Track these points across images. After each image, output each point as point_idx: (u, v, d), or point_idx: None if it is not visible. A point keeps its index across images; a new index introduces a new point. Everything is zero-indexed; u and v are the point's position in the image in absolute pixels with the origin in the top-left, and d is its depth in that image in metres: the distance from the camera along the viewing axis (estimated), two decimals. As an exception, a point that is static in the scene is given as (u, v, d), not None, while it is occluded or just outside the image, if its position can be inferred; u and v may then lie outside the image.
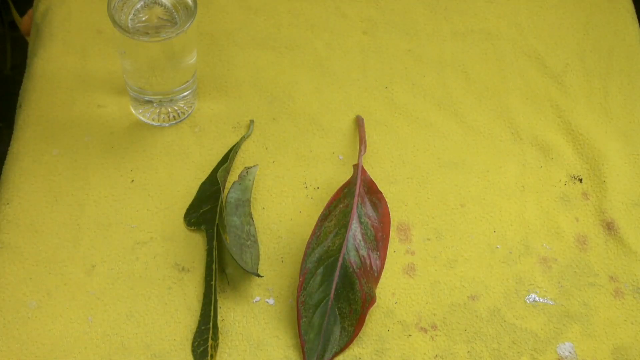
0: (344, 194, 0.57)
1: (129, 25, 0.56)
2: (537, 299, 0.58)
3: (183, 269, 0.57)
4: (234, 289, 0.57)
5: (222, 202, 0.58)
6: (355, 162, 0.61)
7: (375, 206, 0.57)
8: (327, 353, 0.54)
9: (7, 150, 0.63)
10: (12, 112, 0.68)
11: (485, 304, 0.57)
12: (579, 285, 0.59)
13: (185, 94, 0.63)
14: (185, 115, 0.65)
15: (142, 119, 0.64)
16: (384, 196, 0.58)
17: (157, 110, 0.63)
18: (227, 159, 0.62)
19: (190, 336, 0.54)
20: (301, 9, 0.74)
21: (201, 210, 0.59)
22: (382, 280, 0.58)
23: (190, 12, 0.56)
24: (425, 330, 0.56)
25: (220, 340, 0.54)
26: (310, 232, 0.57)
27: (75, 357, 0.53)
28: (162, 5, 0.57)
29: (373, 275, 0.56)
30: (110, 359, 0.53)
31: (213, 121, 0.65)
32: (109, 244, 0.58)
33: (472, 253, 0.60)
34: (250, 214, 0.60)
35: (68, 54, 0.68)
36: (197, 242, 0.59)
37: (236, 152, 0.63)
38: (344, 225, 0.56)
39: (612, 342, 0.56)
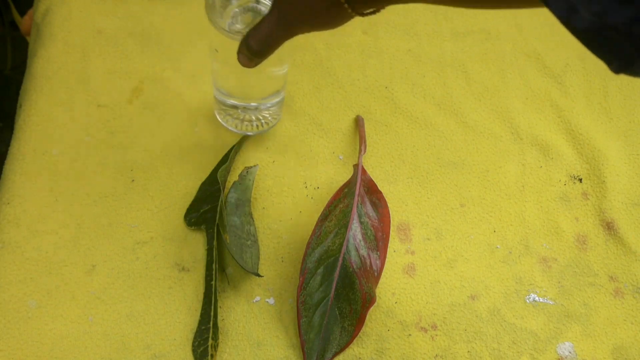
0: (344, 193, 0.58)
1: (227, 28, 0.54)
2: (537, 298, 0.58)
3: (183, 268, 0.57)
4: (234, 288, 0.57)
5: (222, 202, 0.58)
6: (355, 162, 0.61)
7: (375, 206, 0.57)
8: (327, 353, 0.54)
9: (7, 150, 0.63)
10: (12, 112, 0.68)
11: (485, 304, 0.57)
12: (579, 285, 0.59)
13: (271, 104, 0.61)
14: (269, 127, 0.63)
15: (224, 124, 0.63)
16: (384, 196, 0.58)
17: (241, 117, 0.61)
18: (227, 159, 0.62)
19: (191, 336, 0.54)
20: (301, 9, 0.74)
21: (201, 210, 0.59)
22: (382, 280, 0.58)
23: None
24: (425, 330, 0.56)
25: (220, 340, 0.54)
26: (310, 232, 0.58)
27: (75, 357, 0.53)
28: (259, 14, 0.55)
29: (373, 275, 0.56)
30: (111, 359, 0.53)
31: (213, 121, 0.65)
32: (109, 244, 0.58)
33: (472, 253, 0.60)
34: (250, 214, 0.60)
35: (68, 54, 0.68)
36: (197, 242, 0.59)
37: (236, 152, 0.63)
38: (344, 225, 0.56)
39: (611, 342, 0.56)
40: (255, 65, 0.47)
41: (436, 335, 0.56)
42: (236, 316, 0.55)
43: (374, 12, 0.40)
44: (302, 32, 0.43)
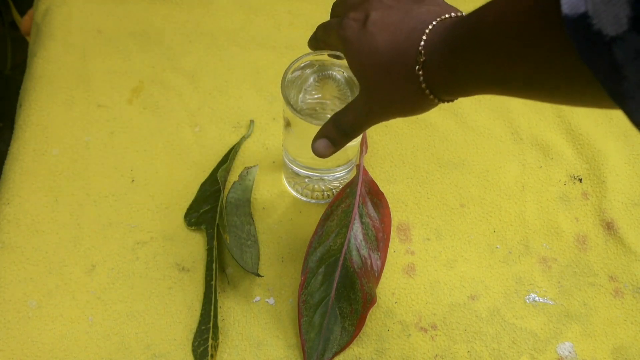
0: (346, 194, 0.57)
1: (300, 99, 0.53)
2: (536, 298, 0.58)
3: (183, 268, 0.57)
4: (234, 288, 0.57)
5: (222, 202, 0.58)
6: (357, 163, 0.61)
7: (376, 206, 0.57)
8: (328, 352, 0.54)
9: (7, 150, 0.63)
10: (12, 112, 0.68)
11: (485, 304, 0.57)
12: (579, 285, 0.59)
13: (341, 174, 0.59)
14: None
15: (294, 192, 0.61)
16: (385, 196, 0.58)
17: (311, 187, 0.60)
18: (227, 159, 0.62)
19: (191, 336, 0.54)
20: (301, 9, 0.74)
21: (201, 210, 0.59)
22: (382, 280, 0.58)
23: None
24: (425, 330, 0.56)
25: (220, 340, 0.54)
26: (310, 232, 0.58)
27: (75, 357, 0.53)
28: (335, 81, 0.54)
29: (374, 275, 0.56)
30: (110, 359, 0.53)
31: (213, 121, 0.65)
32: (109, 244, 0.58)
33: (471, 253, 0.60)
34: (250, 214, 0.60)
35: (68, 54, 0.68)
36: (197, 242, 0.59)
37: (236, 152, 0.63)
38: (346, 225, 0.56)
39: (611, 342, 0.56)
40: (332, 154, 0.47)
41: (436, 335, 0.56)
42: (236, 316, 0.55)
43: (453, 100, 0.41)
44: (386, 120, 0.44)
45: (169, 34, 0.71)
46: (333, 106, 0.54)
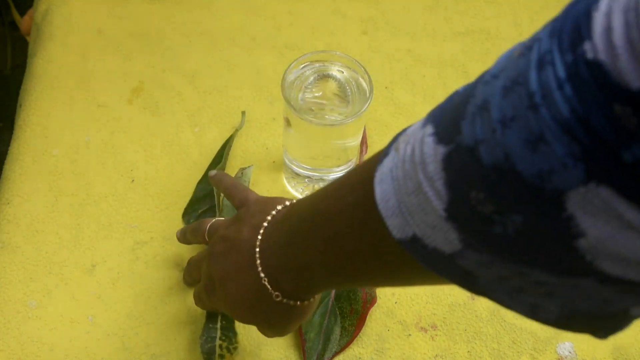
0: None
1: (300, 97, 0.53)
2: (537, 298, 0.58)
3: (183, 269, 0.57)
4: (234, 288, 0.57)
5: (220, 202, 0.58)
6: (357, 163, 0.61)
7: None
8: (327, 352, 0.53)
9: (7, 150, 0.63)
10: (12, 112, 0.68)
11: (485, 304, 0.57)
12: (579, 285, 0.59)
13: (340, 174, 0.58)
14: None
15: (294, 192, 0.61)
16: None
17: (312, 187, 0.60)
18: (221, 158, 0.61)
19: (191, 336, 0.54)
20: (301, 9, 0.74)
21: (200, 211, 0.59)
22: (382, 280, 0.58)
23: (364, 97, 0.53)
24: (425, 330, 0.56)
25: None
26: (310, 232, 0.57)
27: (75, 357, 0.53)
28: (335, 80, 0.54)
29: (373, 275, 0.56)
30: (110, 359, 0.53)
31: (213, 121, 0.65)
32: (109, 244, 0.58)
33: (472, 253, 0.60)
34: (250, 214, 0.60)
35: (68, 54, 0.68)
36: (197, 242, 0.59)
37: (230, 149, 0.62)
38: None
39: (611, 342, 0.56)
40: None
41: (436, 335, 0.56)
42: (236, 316, 0.55)
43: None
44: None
45: (169, 34, 0.71)
46: (333, 105, 0.54)
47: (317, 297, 0.43)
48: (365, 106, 0.52)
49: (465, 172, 0.24)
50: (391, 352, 0.55)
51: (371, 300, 0.54)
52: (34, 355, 0.53)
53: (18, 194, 0.60)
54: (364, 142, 0.62)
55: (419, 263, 0.27)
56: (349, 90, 0.54)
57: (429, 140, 0.26)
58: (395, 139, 0.30)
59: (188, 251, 0.58)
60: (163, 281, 0.57)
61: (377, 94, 0.68)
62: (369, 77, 0.53)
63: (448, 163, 0.25)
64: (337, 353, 0.54)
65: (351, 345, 0.54)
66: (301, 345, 0.54)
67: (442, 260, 0.26)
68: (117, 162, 0.62)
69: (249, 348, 0.54)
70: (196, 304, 0.51)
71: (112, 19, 0.72)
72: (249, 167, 0.62)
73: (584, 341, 0.56)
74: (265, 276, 0.39)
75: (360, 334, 0.55)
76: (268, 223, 0.40)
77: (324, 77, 0.54)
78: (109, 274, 0.57)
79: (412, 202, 0.26)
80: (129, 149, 0.63)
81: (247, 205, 0.45)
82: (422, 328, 0.56)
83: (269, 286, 0.39)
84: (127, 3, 0.73)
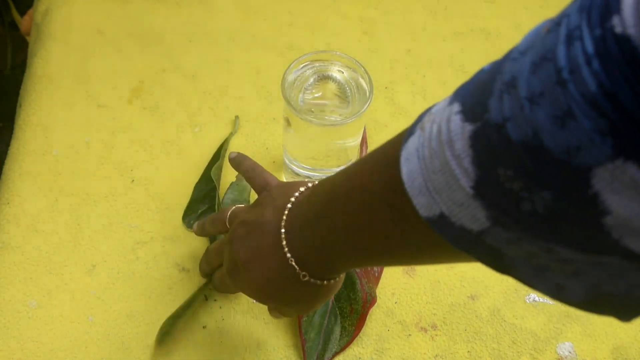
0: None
1: (300, 98, 0.53)
2: (536, 298, 0.58)
3: (183, 269, 0.57)
4: (234, 288, 0.57)
5: (219, 202, 0.58)
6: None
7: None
8: (328, 352, 0.53)
9: (7, 150, 0.63)
10: (12, 112, 0.68)
11: (485, 304, 0.57)
12: (579, 285, 0.59)
13: None
14: None
15: None
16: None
17: None
18: (219, 157, 0.61)
19: (191, 336, 0.54)
20: (301, 9, 0.74)
21: (200, 211, 0.59)
22: (382, 280, 0.58)
23: (364, 97, 0.53)
24: (425, 330, 0.56)
25: (220, 340, 0.54)
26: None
27: (76, 357, 0.53)
28: (335, 80, 0.54)
29: (374, 275, 0.56)
30: (110, 359, 0.53)
31: (213, 121, 0.65)
32: (109, 244, 0.58)
33: (472, 253, 0.60)
34: (250, 214, 0.60)
35: (68, 54, 0.68)
36: (197, 242, 0.59)
37: (226, 149, 0.63)
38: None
39: (611, 342, 0.56)
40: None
41: (436, 335, 0.56)
42: (236, 316, 0.55)
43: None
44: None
45: (169, 34, 0.71)
46: (333, 106, 0.54)
47: (342, 275, 0.43)
48: (365, 106, 0.52)
49: (492, 149, 0.24)
50: (391, 352, 0.55)
51: (371, 300, 0.54)
52: (34, 355, 0.53)
53: (18, 194, 0.60)
54: (364, 142, 0.62)
55: (445, 241, 0.28)
56: (349, 90, 0.54)
57: (456, 119, 0.26)
58: (420, 118, 0.30)
59: (188, 251, 0.58)
60: (163, 281, 0.57)
61: (377, 94, 0.68)
62: (369, 77, 0.53)
63: (475, 141, 0.25)
64: (337, 353, 0.54)
65: (351, 345, 0.54)
66: (301, 345, 0.54)
67: (469, 238, 0.26)
68: (117, 162, 0.62)
69: (249, 348, 0.54)
70: (217, 289, 0.52)
71: (112, 19, 0.72)
72: (249, 167, 0.62)
73: (584, 341, 0.56)
74: (292, 257, 0.39)
75: (360, 334, 0.55)
76: (292, 204, 0.40)
77: (324, 77, 0.54)
78: (109, 274, 0.57)
79: (439, 181, 0.26)
80: (129, 149, 0.63)
81: (268, 189, 0.45)
82: (422, 328, 0.56)
83: (296, 266, 0.39)
84: (127, 3, 0.73)
